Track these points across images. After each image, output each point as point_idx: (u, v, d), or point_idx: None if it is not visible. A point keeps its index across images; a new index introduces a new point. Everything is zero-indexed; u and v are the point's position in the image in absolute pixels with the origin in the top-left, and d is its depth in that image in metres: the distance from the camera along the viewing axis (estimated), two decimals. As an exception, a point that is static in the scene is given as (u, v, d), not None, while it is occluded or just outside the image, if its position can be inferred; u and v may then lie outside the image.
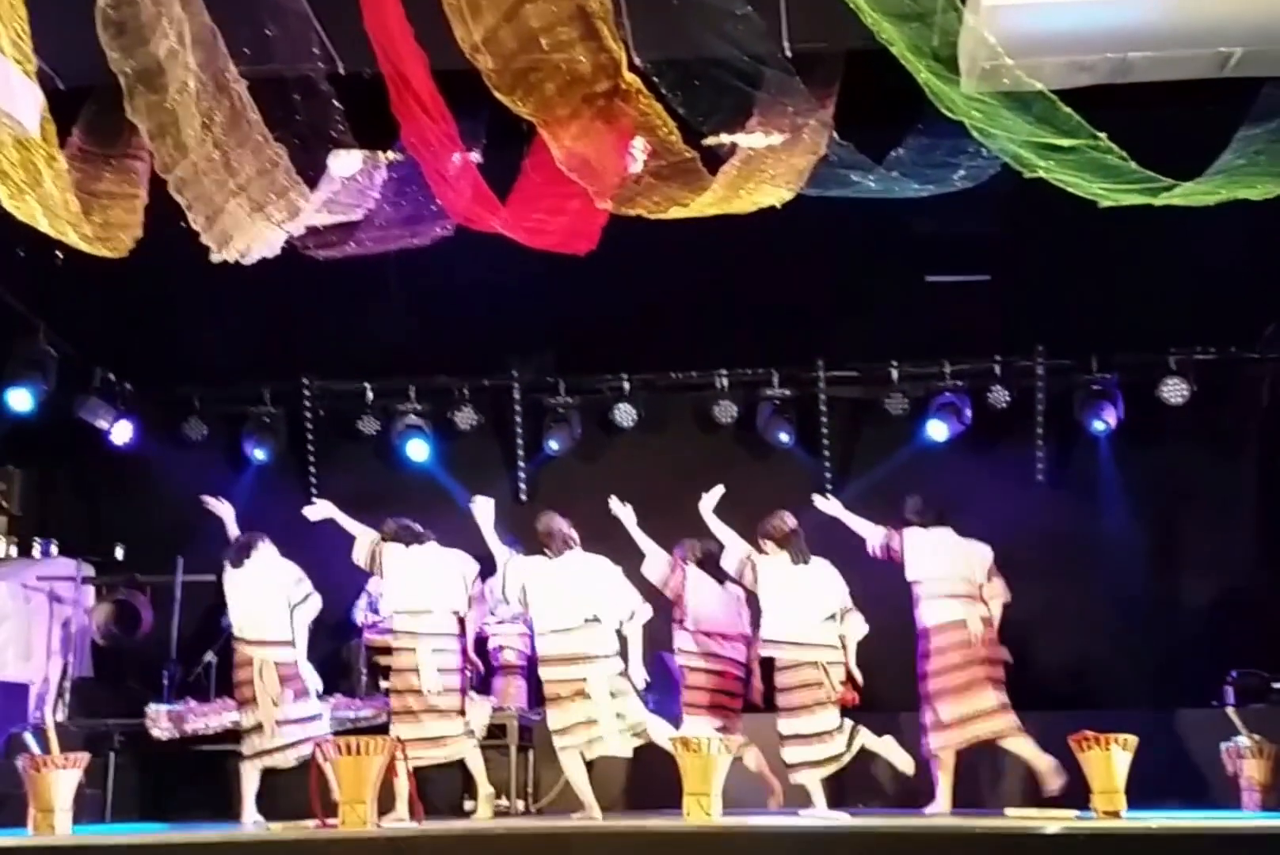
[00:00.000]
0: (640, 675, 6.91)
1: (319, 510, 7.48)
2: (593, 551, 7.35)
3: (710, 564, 7.47)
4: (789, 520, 7.13)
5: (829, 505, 7.58)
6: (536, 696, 8.58)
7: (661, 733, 6.67)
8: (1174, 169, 5.46)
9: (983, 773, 7.60)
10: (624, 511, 7.31)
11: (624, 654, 6.84)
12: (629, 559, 7.32)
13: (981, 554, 7.38)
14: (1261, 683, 8.22)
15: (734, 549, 7.19)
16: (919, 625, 7.27)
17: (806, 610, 6.91)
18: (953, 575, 7.28)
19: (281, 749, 7.14)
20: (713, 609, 7.44)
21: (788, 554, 7.04)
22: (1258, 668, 8.33)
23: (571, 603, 6.80)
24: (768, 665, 7.21)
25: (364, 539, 7.36)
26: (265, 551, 7.47)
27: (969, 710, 7.08)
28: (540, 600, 6.88)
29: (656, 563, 7.41)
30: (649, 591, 7.26)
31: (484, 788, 7.10)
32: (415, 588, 7.25)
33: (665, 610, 7.91)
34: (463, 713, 7.18)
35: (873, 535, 7.44)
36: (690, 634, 7.44)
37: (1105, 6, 4.93)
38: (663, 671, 8.33)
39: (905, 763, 6.89)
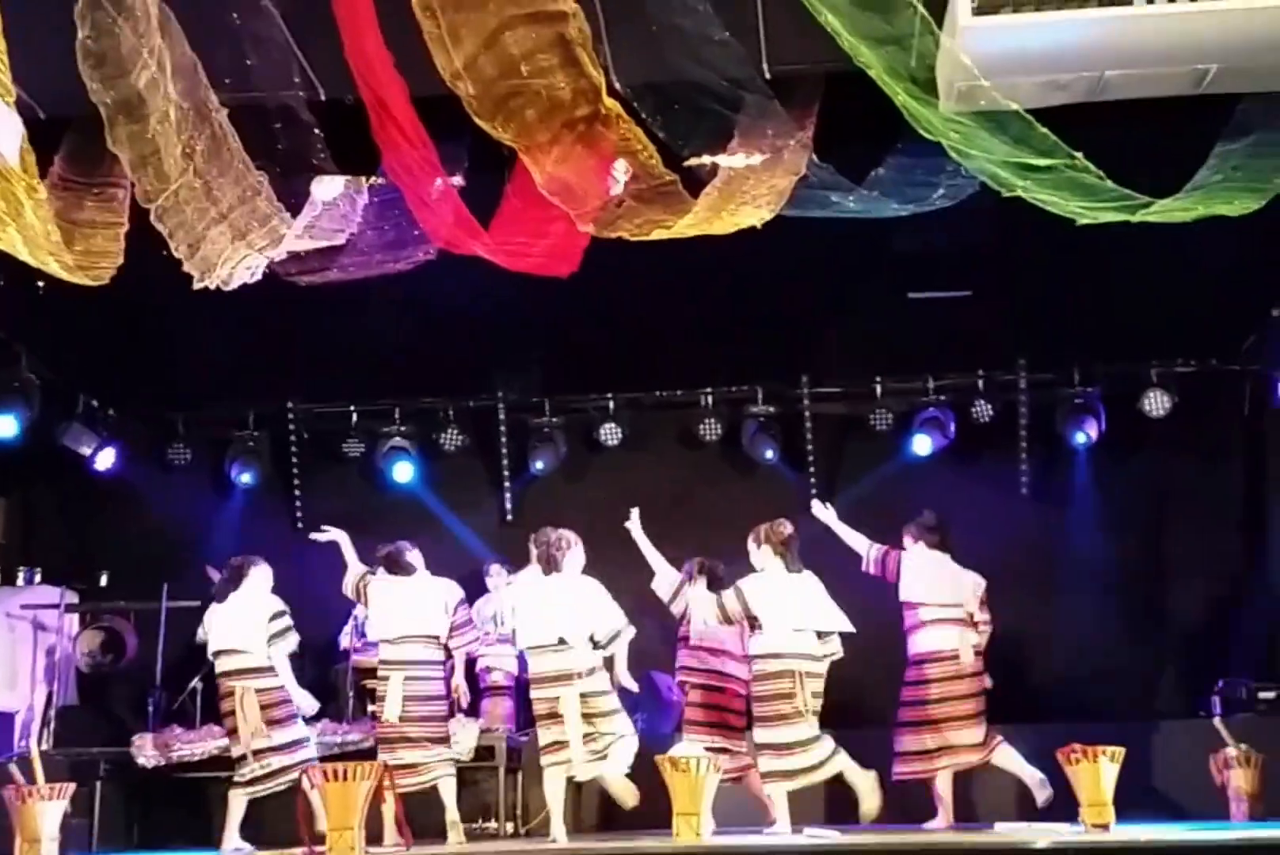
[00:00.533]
0: (630, 684, 6.91)
1: (329, 535, 7.47)
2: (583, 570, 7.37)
3: (715, 581, 7.49)
4: (788, 526, 7.12)
5: (825, 513, 7.59)
6: (524, 718, 8.58)
7: (625, 756, 6.66)
8: (1151, 186, 5.50)
9: (974, 787, 7.60)
10: (636, 527, 7.39)
11: (610, 671, 6.82)
12: (623, 578, 7.35)
13: (976, 582, 7.41)
14: (1248, 692, 8.26)
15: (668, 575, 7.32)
16: (911, 651, 7.28)
17: (791, 621, 6.87)
18: (947, 601, 7.29)
19: (268, 777, 7.07)
20: (717, 626, 7.44)
21: (782, 561, 6.99)
22: (1244, 677, 8.37)
23: (546, 623, 6.79)
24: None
25: (352, 573, 7.38)
26: (254, 580, 7.39)
27: (944, 743, 7.12)
28: (521, 618, 6.89)
29: (666, 579, 7.46)
30: (637, 609, 7.25)
31: (451, 814, 7.04)
32: (395, 617, 7.27)
33: (656, 629, 7.93)
34: (442, 742, 7.14)
35: (866, 550, 7.44)
36: (693, 651, 7.45)
37: (1080, 25, 4.95)
38: (652, 691, 8.35)
39: (871, 806, 6.81)
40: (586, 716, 6.61)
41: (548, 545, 6.92)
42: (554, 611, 6.77)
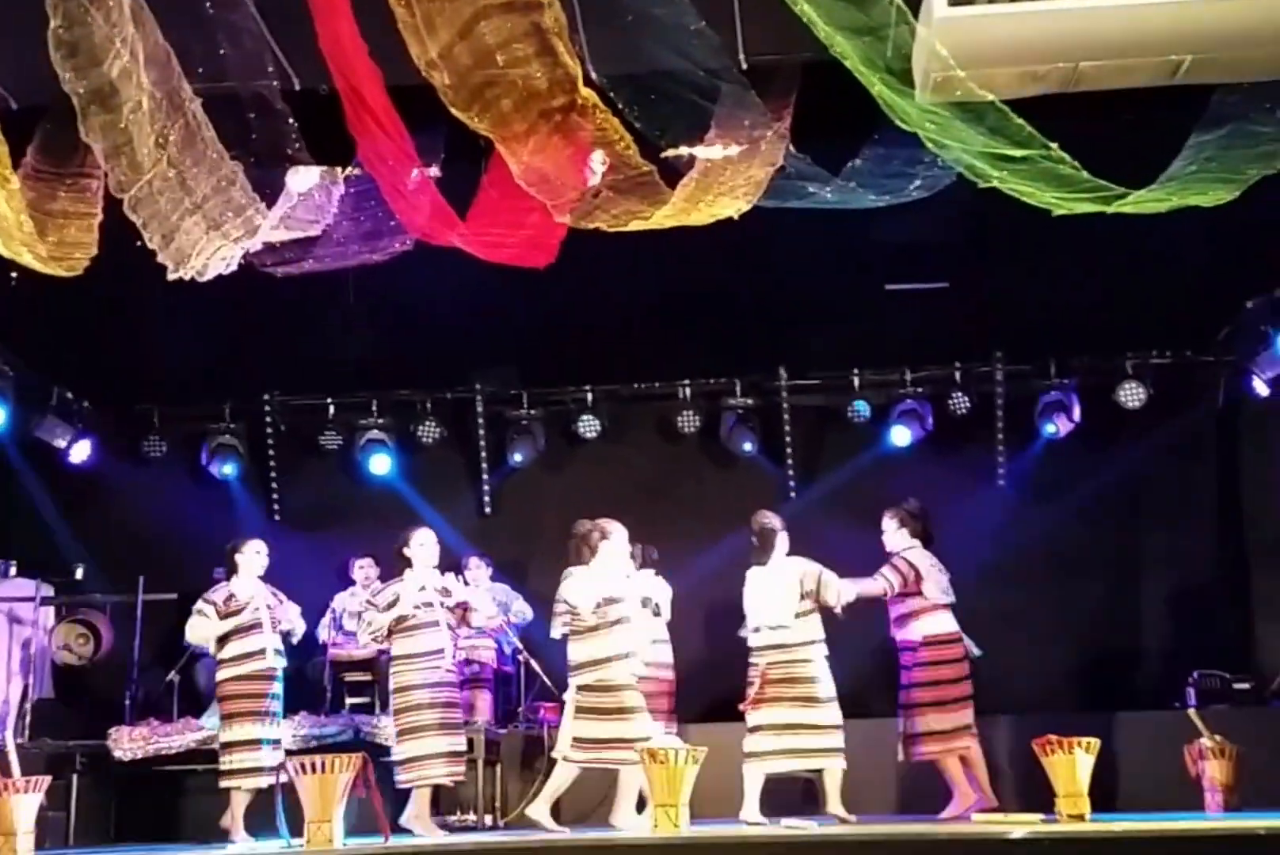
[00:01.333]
0: None
1: None
2: (559, 562, 7.40)
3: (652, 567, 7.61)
4: (764, 518, 7.16)
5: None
6: (502, 710, 8.58)
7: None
8: (1126, 177, 5.52)
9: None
10: None
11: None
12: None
13: (945, 571, 7.50)
14: (1223, 684, 8.32)
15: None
16: (920, 634, 7.30)
17: (756, 614, 6.98)
18: (942, 587, 7.40)
19: (224, 775, 7.00)
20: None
21: (754, 552, 7.07)
22: (1219, 669, 8.42)
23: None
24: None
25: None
26: (239, 568, 7.29)
27: (962, 722, 7.21)
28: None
29: None
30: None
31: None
32: None
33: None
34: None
35: (884, 586, 7.36)
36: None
37: (1055, 16, 4.95)
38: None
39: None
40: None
41: (577, 537, 6.99)
42: None
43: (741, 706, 6.93)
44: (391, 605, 7.02)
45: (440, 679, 6.98)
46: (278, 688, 7.16)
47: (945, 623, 7.33)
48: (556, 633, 7.14)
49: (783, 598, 6.97)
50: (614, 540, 6.99)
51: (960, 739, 7.19)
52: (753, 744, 6.85)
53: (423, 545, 7.17)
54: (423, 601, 7.07)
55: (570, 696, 6.87)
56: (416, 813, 6.87)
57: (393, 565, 7.28)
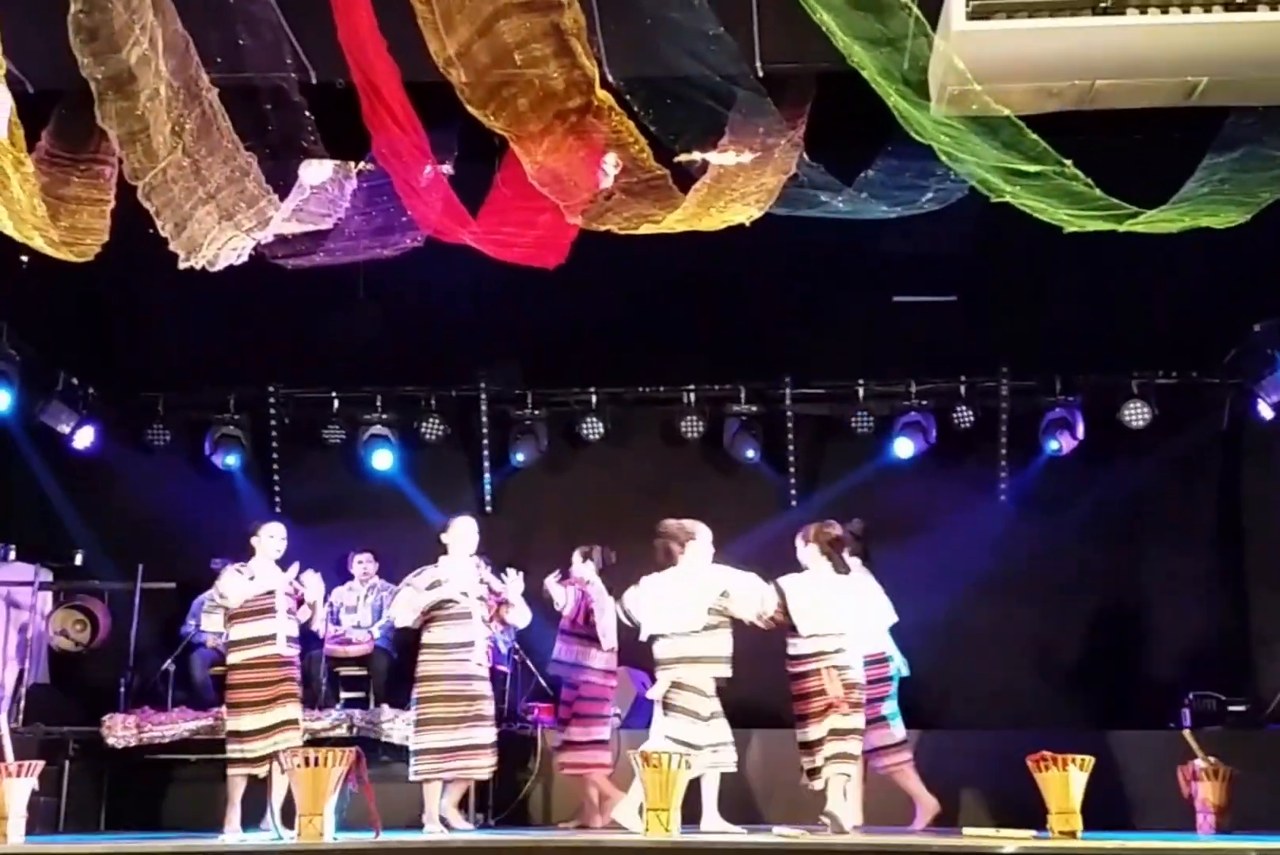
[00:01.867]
0: None
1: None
2: (557, 564, 7.39)
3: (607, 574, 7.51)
4: (836, 527, 7.01)
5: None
6: (496, 709, 8.56)
7: None
8: (1139, 196, 5.53)
9: (944, 793, 7.58)
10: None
11: None
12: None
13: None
14: (1218, 705, 8.31)
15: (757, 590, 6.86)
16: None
17: (827, 624, 6.72)
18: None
19: (231, 763, 6.93)
20: (612, 623, 7.37)
21: (829, 563, 6.86)
22: (1215, 689, 8.41)
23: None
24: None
25: None
26: (254, 552, 7.17)
27: (903, 737, 7.30)
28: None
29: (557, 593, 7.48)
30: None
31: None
32: None
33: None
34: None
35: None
36: (606, 654, 7.43)
37: (1074, 33, 4.98)
38: (627, 686, 8.34)
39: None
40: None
41: (665, 536, 6.82)
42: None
43: (832, 702, 6.61)
44: (433, 587, 6.96)
45: (466, 672, 6.91)
46: (291, 672, 7.00)
47: (876, 643, 7.26)
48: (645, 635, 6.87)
49: (874, 606, 6.94)
50: (700, 542, 6.81)
51: (904, 752, 7.23)
52: (837, 748, 6.61)
53: (459, 533, 7.14)
54: (458, 591, 7.02)
55: (659, 691, 6.65)
56: (430, 810, 6.81)
57: (388, 559, 7.29)
